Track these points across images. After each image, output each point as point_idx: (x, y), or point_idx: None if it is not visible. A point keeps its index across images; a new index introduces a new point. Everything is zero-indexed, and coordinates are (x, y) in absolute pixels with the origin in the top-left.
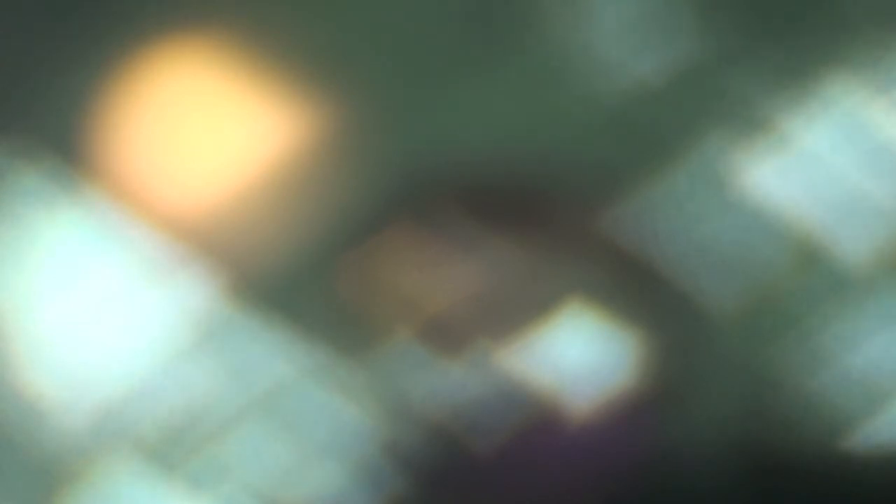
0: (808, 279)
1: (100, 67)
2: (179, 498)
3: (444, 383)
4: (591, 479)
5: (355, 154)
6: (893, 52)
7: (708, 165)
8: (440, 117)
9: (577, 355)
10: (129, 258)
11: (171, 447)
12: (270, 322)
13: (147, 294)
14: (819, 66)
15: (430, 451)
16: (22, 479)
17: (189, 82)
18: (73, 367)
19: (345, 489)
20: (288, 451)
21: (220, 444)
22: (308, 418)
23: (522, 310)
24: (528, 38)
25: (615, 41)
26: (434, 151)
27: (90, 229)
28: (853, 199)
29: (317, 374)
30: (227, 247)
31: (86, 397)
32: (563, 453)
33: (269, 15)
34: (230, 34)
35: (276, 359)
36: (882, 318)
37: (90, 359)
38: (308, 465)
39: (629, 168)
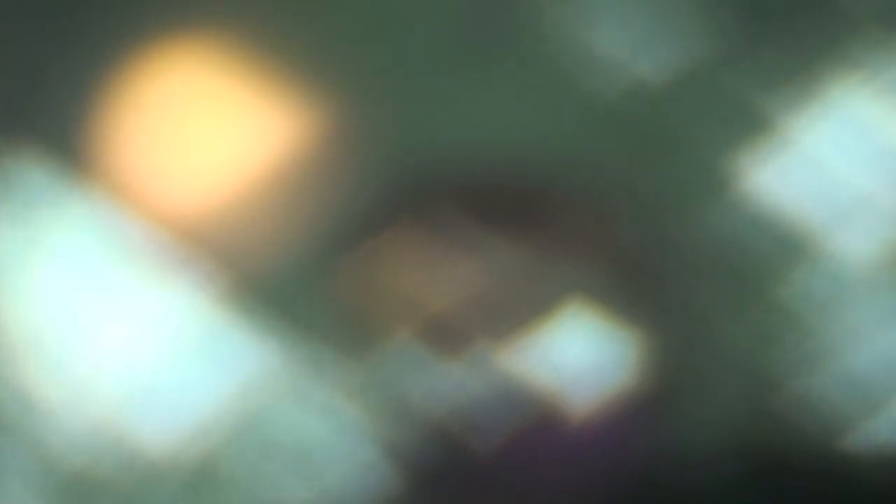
0: (808, 279)
1: (100, 67)
2: (180, 496)
3: (444, 383)
4: (591, 479)
5: (355, 154)
6: (894, 52)
7: (709, 165)
8: (440, 117)
9: (577, 355)
10: (129, 258)
11: (171, 447)
12: (270, 322)
13: (147, 293)
14: (820, 66)
15: (430, 451)
16: (23, 479)
17: (189, 82)
18: (74, 367)
19: (345, 489)
20: (287, 451)
21: (218, 444)
22: (308, 418)
23: (522, 310)
24: (528, 38)
25: (616, 41)
26: (434, 151)
27: (91, 229)
28: (854, 199)
29: (317, 374)
30: (227, 247)
31: (87, 396)
32: (563, 453)
33: (269, 15)
34: (230, 34)
35: (275, 359)
36: (882, 317)
37: (91, 358)
38: (308, 464)
39: (629, 168)
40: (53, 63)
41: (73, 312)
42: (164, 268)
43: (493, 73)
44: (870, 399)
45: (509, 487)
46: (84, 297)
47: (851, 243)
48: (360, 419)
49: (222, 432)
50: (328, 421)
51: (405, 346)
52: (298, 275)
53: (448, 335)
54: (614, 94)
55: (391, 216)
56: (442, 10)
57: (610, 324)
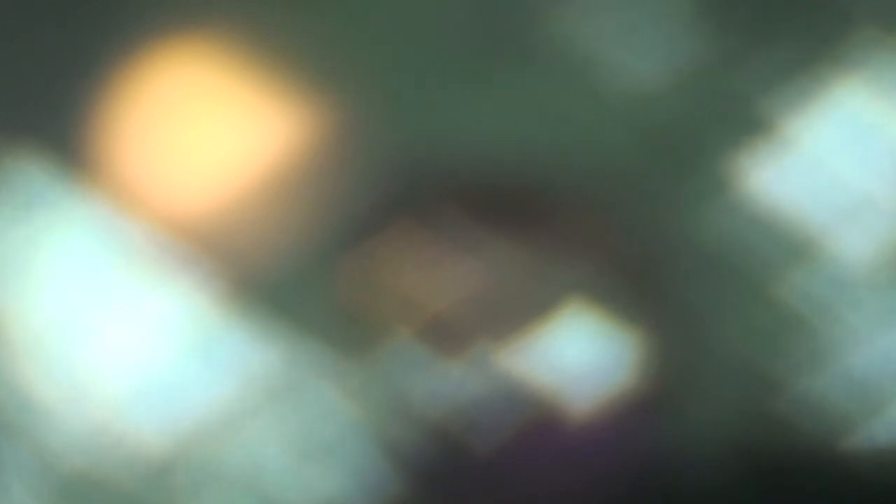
0: (808, 280)
1: (100, 67)
2: (179, 496)
3: (444, 383)
4: (590, 479)
5: (355, 154)
6: (894, 52)
7: (709, 166)
8: (441, 117)
9: (577, 355)
10: (130, 258)
11: (171, 447)
12: (270, 322)
13: (147, 293)
14: (821, 66)
15: (430, 451)
16: (23, 479)
17: (189, 82)
18: (74, 367)
19: (345, 489)
20: (287, 451)
21: (219, 444)
22: (308, 418)
23: (522, 310)
24: (530, 38)
25: (616, 42)
26: (435, 151)
27: (91, 229)
28: (854, 199)
29: (316, 374)
30: (227, 247)
31: (87, 396)
32: (562, 453)
33: (269, 15)
34: (230, 34)
35: (275, 359)
36: (882, 318)
37: (91, 358)
38: (308, 465)
39: (630, 168)
40: (53, 63)
41: (74, 312)
42: (165, 268)
43: (494, 73)
44: (870, 400)
45: (509, 487)
46: (84, 297)
47: (852, 244)
48: (360, 419)
49: (222, 432)
50: (328, 421)
51: (405, 346)
52: (298, 275)
53: (448, 335)
54: (615, 94)
55: (391, 216)
56: (443, 9)
57: (610, 324)
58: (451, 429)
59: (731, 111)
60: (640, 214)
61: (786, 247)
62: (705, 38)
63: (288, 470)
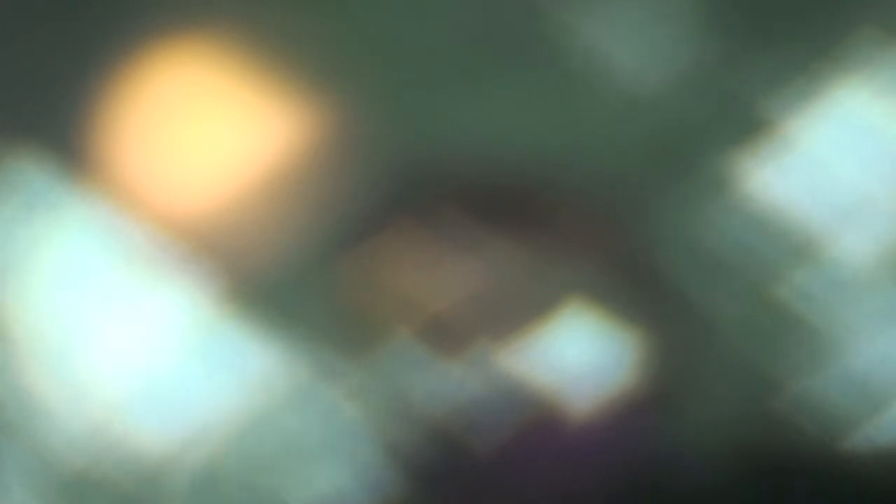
0: (808, 280)
1: (100, 67)
2: (180, 496)
3: (444, 383)
4: (591, 480)
5: (356, 154)
6: (894, 52)
7: (710, 166)
8: (442, 117)
9: (577, 355)
10: (130, 259)
11: (171, 447)
12: (270, 322)
13: (147, 294)
14: (821, 66)
15: (430, 451)
16: (23, 479)
17: (189, 82)
18: (75, 368)
19: (345, 489)
20: (287, 451)
21: (219, 445)
22: (308, 418)
23: (522, 310)
24: (530, 38)
25: (616, 43)
26: (435, 151)
27: (91, 230)
28: (854, 199)
29: (316, 375)
30: (226, 247)
31: (87, 397)
32: (563, 453)
33: (269, 15)
34: (230, 34)
35: (275, 359)
36: (882, 318)
37: (91, 359)
38: (308, 465)
39: (630, 168)
40: (53, 63)
41: (74, 313)
42: (165, 268)
43: (494, 73)
44: (870, 399)
45: (509, 487)
46: (85, 297)
47: (852, 244)
48: (360, 419)
49: (222, 433)
50: (328, 421)
51: (405, 346)
52: (298, 275)
53: (448, 335)
54: (615, 94)
55: (391, 216)
56: (443, 9)
57: (610, 324)
58: (451, 429)
59: (732, 111)
60: (640, 214)
61: (786, 247)
62: (706, 38)
63: (288, 470)
